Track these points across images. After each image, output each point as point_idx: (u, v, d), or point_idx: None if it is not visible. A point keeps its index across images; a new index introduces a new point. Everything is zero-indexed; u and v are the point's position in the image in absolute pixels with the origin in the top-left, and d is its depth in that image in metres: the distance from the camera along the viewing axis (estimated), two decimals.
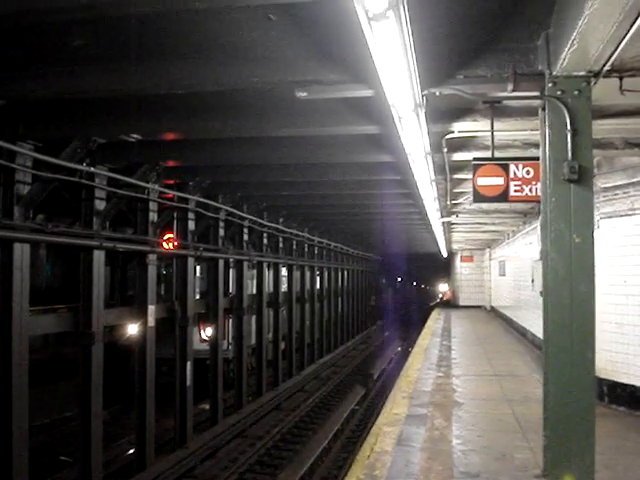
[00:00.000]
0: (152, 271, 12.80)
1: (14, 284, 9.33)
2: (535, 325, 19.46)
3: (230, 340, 19.79)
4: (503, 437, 9.57)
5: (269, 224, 19.31)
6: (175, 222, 14.36)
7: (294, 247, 23.46)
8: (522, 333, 23.53)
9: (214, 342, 16.15)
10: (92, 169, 10.27)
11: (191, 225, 14.48)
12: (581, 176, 6.03)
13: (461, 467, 8.12)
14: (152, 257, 12.75)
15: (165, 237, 13.23)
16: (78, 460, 11.32)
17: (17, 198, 9.37)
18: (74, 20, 6.39)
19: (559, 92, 6.09)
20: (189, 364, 14.20)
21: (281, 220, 20.73)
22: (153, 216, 12.69)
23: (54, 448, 14.99)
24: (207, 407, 17.02)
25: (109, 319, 12.09)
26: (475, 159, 8.30)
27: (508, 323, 28.54)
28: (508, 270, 28.57)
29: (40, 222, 10.06)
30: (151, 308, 12.70)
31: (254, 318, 19.83)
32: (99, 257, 11.13)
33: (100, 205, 11.12)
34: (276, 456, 15.19)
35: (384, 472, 7.91)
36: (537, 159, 7.73)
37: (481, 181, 7.93)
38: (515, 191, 7.89)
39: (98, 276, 11.12)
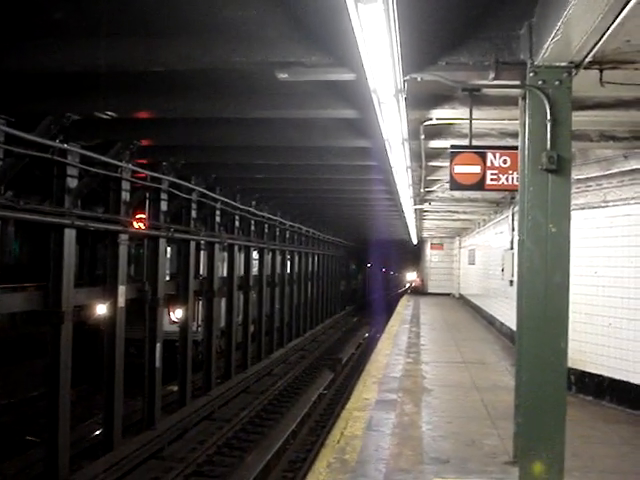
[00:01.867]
0: (123, 251, 12.66)
1: None
2: (504, 314, 19.67)
3: (199, 322, 19.70)
4: (472, 424, 9.66)
5: (241, 207, 19.21)
6: (147, 202, 14.21)
7: (266, 230, 23.38)
8: (490, 321, 23.76)
9: (184, 324, 16.06)
10: (65, 146, 10.12)
11: (163, 206, 14.34)
12: (559, 166, 6.05)
13: (431, 453, 8.19)
14: (124, 237, 12.61)
15: (136, 217, 13.07)
16: (45, 440, 11.20)
17: None
18: None
19: (540, 82, 6.09)
20: (158, 345, 14.11)
21: (254, 203, 20.63)
22: (125, 195, 12.54)
23: (20, 428, 14.84)
24: (175, 389, 16.96)
25: (79, 299, 11.96)
26: (453, 147, 8.30)
27: (477, 311, 28.81)
28: (478, 259, 28.81)
29: (11, 198, 9.88)
30: (122, 288, 12.57)
31: (224, 301, 19.75)
32: (70, 236, 10.97)
33: (72, 183, 10.95)
34: (244, 439, 15.17)
35: (354, 456, 7.94)
36: (514, 148, 7.79)
37: (458, 169, 7.94)
38: (492, 180, 7.92)
39: (69, 255, 10.96)
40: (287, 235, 26.97)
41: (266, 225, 23.25)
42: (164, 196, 14.30)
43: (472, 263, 31.10)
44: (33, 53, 7.28)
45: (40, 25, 6.89)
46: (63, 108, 9.37)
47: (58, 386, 10.78)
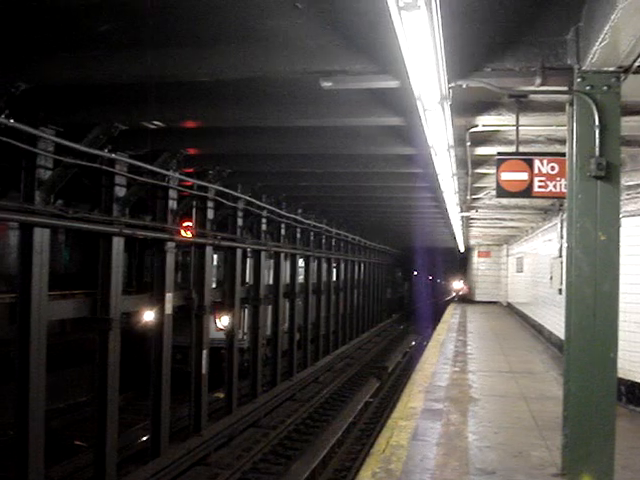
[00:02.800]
0: (170, 259, 12.80)
1: (33, 268, 9.35)
2: (552, 322, 19.36)
3: (245, 330, 19.77)
4: (519, 435, 9.51)
5: (287, 214, 19.27)
6: (194, 211, 14.35)
7: (311, 238, 23.42)
8: (539, 330, 23.40)
9: (230, 331, 16.15)
10: (113, 155, 10.27)
11: (210, 214, 14.47)
12: (608, 173, 5.95)
13: (477, 463, 8.07)
14: (170, 245, 12.75)
15: (183, 225, 13.17)
16: (93, 445, 11.36)
17: (38, 183, 9.38)
18: (100, 5, 6.38)
19: (588, 87, 6.01)
20: (205, 352, 14.21)
21: (299, 211, 20.69)
22: (172, 204, 12.68)
23: (69, 432, 15.06)
24: (220, 396, 17.06)
25: (127, 306, 12.10)
26: (499, 154, 8.21)
27: (524, 319, 28.40)
28: (526, 266, 28.42)
29: (60, 207, 10.06)
30: (169, 296, 12.70)
31: (270, 308, 19.83)
32: (118, 244, 11.13)
33: (120, 192, 11.12)
34: (289, 446, 15.21)
35: (400, 466, 7.87)
36: (562, 155, 7.66)
37: (505, 176, 7.85)
38: (539, 187, 7.81)
39: (117, 263, 11.12)
40: (333, 243, 26.97)
41: (312, 233, 23.28)
42: (210, 204, 14.43)
43: (520, 271, 30.69)
44: (82, 64, 7.41)
45: (88, 37, 7.00)
46: (111, 118, 9.51)
47: (106, 392, 10.92)
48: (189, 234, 13.47)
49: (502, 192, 7.98)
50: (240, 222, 16.26)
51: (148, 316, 12.99)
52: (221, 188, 14.12)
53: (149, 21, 6.55)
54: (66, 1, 5.85)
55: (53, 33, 6.95)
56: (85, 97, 9.09)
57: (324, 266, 25.99)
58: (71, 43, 7.18)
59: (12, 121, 8.00)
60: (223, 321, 17.24)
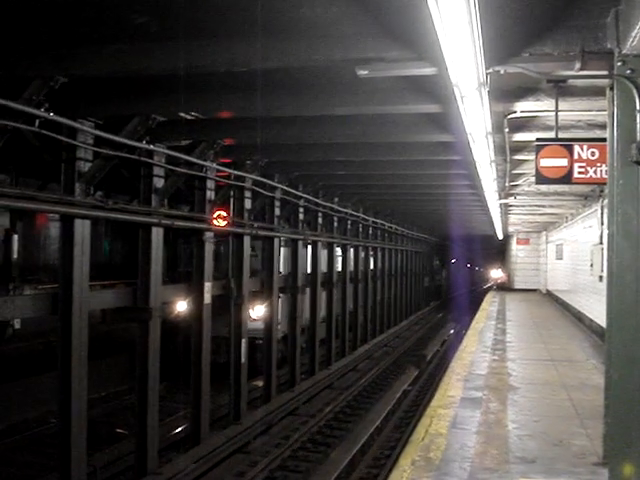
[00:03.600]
0: (209, 249, 12.90)
1: (75, 259, 9.49)
2: (593, 310, 19.13)
3: (279, 319, 19.71)
4: (560, 423, 9.42)
5: (324, 203, 19.27)
6: (232, 200, 14.42)
7: (348, 227, 23.40)
8: (579, 318, 23.14)
9: (268, 320, 16.24)
10: (151, 147, 10.36)
11: (247, 204, 14.53)
12: None
13: (517, 452, 8.02)
14: (209, 235, 12.85)
15: (215, 214, 13.07)
16: (134, 433, 11.52)
17: (78, 175, 9.51)
18: None
19: (628, 71, 5.89)
20: (244, 341, 14.30)
21: (336, 200, 20.67)
22: (210, 194, 12.76)
23: (110, 420, 15.28)
24: (259, 384, 17.14)
25: (166, 295, 12.23)
26: (538, 139, 8.12)
27: (564, 307, 28.10)
28: (565, 253, 28.09)
29: (100, 199, 10.18)
30: (207, 285, 12.81)
31: (308, 297, 19.89)
32: (157, 234, 11.25)
33: (158, 183, 11.23)
34: (328, 434, 15.26)
35: (439, 454, 7.86)
36: (602, 140, 7.53)
37: (544, 162, 7.76)
38: (579, 173, 7.70)
39: (156, 253, 11.25)
40: (370, 231, 26.93)
41: (349, 222, 23.26)
42: (248, 194, 14.49)
43: (560, 258, 30.34)
44: (119, 57, 7.49)
45: (125, 30, 7.07)
46: (149, 110, 9.59)
47: (147, 380, 11.06)
48: (221, 223, 13.40)
49: (541, 179, 7.89)
50: (277, 212, 16.30)
51: (181, 306, 13.07)
52: (258, 178, 14.18)
53: (185, 13, 6.58)
54: None
55: (90, 27, 7.02)
56: (123, 89, 9.17)
57: (361, 254, 25.96)
58: (108, 36, 7.25)
59: (52, 114, 8.10)
60: (257, 311, 17.29)
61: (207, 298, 12.80)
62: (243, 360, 14.29)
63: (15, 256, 16.46)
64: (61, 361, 9.49)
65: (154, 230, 11.15)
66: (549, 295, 35.85)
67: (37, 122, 7.96)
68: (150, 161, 10.74)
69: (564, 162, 7.71)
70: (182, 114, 9.77)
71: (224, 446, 12.82)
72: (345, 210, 21.63)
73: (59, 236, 9.61)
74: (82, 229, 9.57)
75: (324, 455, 13.60)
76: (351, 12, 6.29)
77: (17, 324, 14.32)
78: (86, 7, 6.59)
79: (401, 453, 9.25)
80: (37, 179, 16.04)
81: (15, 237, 16.46)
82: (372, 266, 28.35)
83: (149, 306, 11.03)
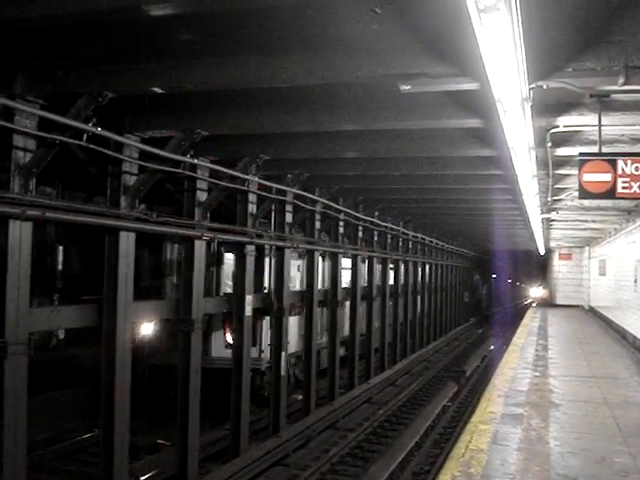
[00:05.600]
0: (250, 261, 13.01)
1: (119, 271, 9.65)
2: (636, 326, 18.86)
3: (262, 347, 17.04)
4: (602, 440, 9.33)
5: (364, 217, 19.31)
6: (273, 214, 14.54)
7: (388, 241, 23.39)
8: (622, 335, 22.81)
9: (308, 335, 16.29)
10: (195, 161, 10.51)
11: (288, 217, 14.64)
12: None
13: (559, 469, 7.97)
14: (250, 248, 12.96)
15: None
16: (176, 443, 11.62)
17: (124, 188, 9.69)
18: (181, 14, 6.56)
19: None
20: (284, 354, 14.37)
21: (376, 214, 20.70)
22: (252, 208, 12.89)
23: (150, 430, 15.42)
24: (299, 397, 17.17)
25: (208, 308, 12.35)
26: (581, 154, 8.08)
27: (607, 324, 27.73)
28: (609, 269, 27.74)
29: (144, 211, 10.35)
30: (248, 298, 12.91)
31: (348, 311, 19.91)
32: (200, 247, 11.40)
33: (202, 196, 11.38)
34: (367, 449, 15.23)
35: (479, 470, 7.83)
36: None
37: (587, 177, 7.73)
38: (623, 188, 7.65)
39: (199, 265, 11.39)
40: (410, 245, 26.87)
41: (389, 235, 23.25)
42: (289, 208, 14.59)
43: (603, 274, 29.96)
44: (164, 73, 7.65)
45: (170, 47, 7.21)
46: (193, 125, 9.73)
47: (188, 391, 11.17)
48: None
49: (585, 194, 7.85)
50: (318, 225, 16.39)
51: (145, 329, 12.98)
52: (299, 192, 14.28)
53: (228, 30, 6.70)
54: (147, 12, 6.01)
55: (137, 44, 7.16)
56: (167, 104, 9.33)
57: (401, 269, 25.91)
58: (154, 53, 7.38)
59: (99, 129, 8.28)
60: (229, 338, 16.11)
61: (248, 310, 12.90)
62: (283, 373, 14.35)
63: (60, 267, 16.74)
64: (105, 371, 9.64)
65: (197, 243, 11.30)
66: (592, 311, 35.37)
67: (85, 136, 8.13)
68: (194, 175, 10.90)
69: (608, 177, 7.66)
70: (225, 130, 9.93)
71: (263, 458, 12.85)
72: (385, 224, 21.64)
73: (105, 248, 9.76)
74: (127, 241, 9.74)
75: (363, 470, 13.57)
76: (393, 28, 6.34)
77: (61, 334, 14.58)
78: (133, 25, 6.75)
79: (441, 468, 9.23)
80: (82, 192, 16.33)
81: (60, 249, 16.75)
82: (412, 280, 28.26)
83: (191, 317, 11.16)
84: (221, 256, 17.03)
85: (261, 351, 16.97)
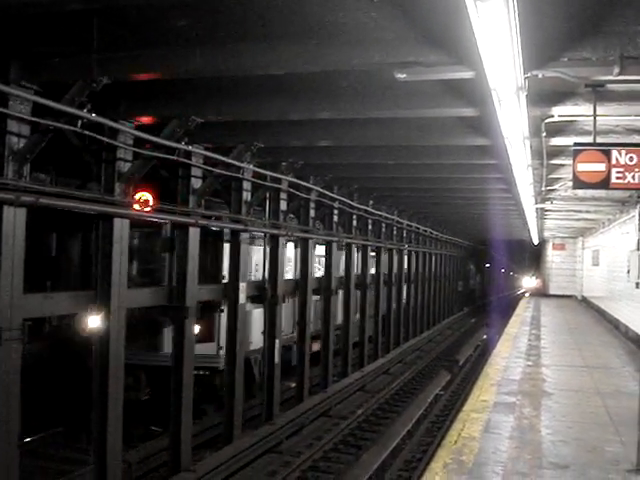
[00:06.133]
0: (244, 249, 13.02)
1: (113, 257, 9.64)
2: (629, 317, 18.95)
3: (221, 344, 15.12)
4: (594, 429, 9.41)
5: (359, 206, 19.32)
6: (267, 202, 14.53)
7: (383, 230, 23.41)
8: (615, 325, 22.93)
9: (301, 323, 16.31)
10: (190, 148, 10.49)
11: (283, 205, 14.63)
12: None
13: (550, 457, 8.03)
14: (245, 235, 12.96)
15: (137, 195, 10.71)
16: (169, 431, 11.64)
17: (118, 175, 9.66)
18: (177, 1, 6.54)
19: None
20: (277, 342, 14.40)
21: (371, 202, 20.70)
22: (247, 195, 12.88)
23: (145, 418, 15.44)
24: (292, 385, 17.22)
25: (202, 295, 12.36)
26: (576, 144, 8.08)
27: (600, 314, 27.85)
28: (602, 260, 27.84)
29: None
30: (242, 285, 12.92)
31: (341, 299, 19.94)
32: (194, 234, 11.39)
33: (196, 183, 11.36)
34: (360, 437, 15.29)
35: (471, 458, 7.88)
36: None
37: (581, 167, 7.73)
38: (617, 178, 7.66)
39: (193, 252, 11.38)
40: (404, 234, 26.89)
41: (383, 224, 23.27)
42: (283, 196, 14.59)
43: (596, 264, 30.06)
44: (160, 60, 7.62)
45: (167, 33, 7.19)
46: (187, 112, 9.70)
47: (182, 378, 11.18)
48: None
49: (579, 183, 7.86)
50: (312, 213, 16.38)
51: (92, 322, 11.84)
52: (294, 180, 14.27)
53: (225, 17, 6.69)
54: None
55: (133, 30, 7.15)
56: (163, 90, 9.29)
57: (395, 258, 25.93)
58: (150, 39, 7.37)
59: (94, 115, 8.25)
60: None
61: (242, 298, 12.92)
62: (277, 360, 14.39)
63: (53, 254, 16.70)
64: (99, 358, 9.64)
65: (192, 230, 11.28)
66: (585, 301, 35.52)
67: (79, 123, 8.11)
68: (188, 162, 10.87)
69: (602, 167, 7.67)
70: (220, 116, 9.90)
71: (256, 445, 12.88)
72: (379, 213, 21.65)
73: (99, 235, 9.75)
74: (121, 228, 9.72)
75: (355, 457, 13.63)
76: (390, 17, 6.34)
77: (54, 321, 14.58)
78: (128, 11, 6.73)
79: (433, 456, 9.28)
80: (76, 179, 16.26)
81: (53, 236, 16.71)
82: (406, 269, 28.30)
83: (185, 305, 11.16)
84: (221, 243, 16.36)
85: (219, 348, 15.19)
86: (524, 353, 16.69)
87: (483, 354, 26.14)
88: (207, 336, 14.73)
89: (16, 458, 8.15)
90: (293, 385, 16.97)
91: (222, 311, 14.67)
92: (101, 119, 8.58)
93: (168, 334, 13.62)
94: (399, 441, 14.75)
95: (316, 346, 18.13)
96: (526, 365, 14.74)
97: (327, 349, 17.86)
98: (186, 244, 11.28)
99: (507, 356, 16.04)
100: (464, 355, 27.74)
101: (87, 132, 8.31)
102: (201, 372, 14.27)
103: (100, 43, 7.41)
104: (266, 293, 14.22)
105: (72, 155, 11.15)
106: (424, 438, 15.63)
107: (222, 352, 14.39)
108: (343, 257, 20.15)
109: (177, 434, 11.22)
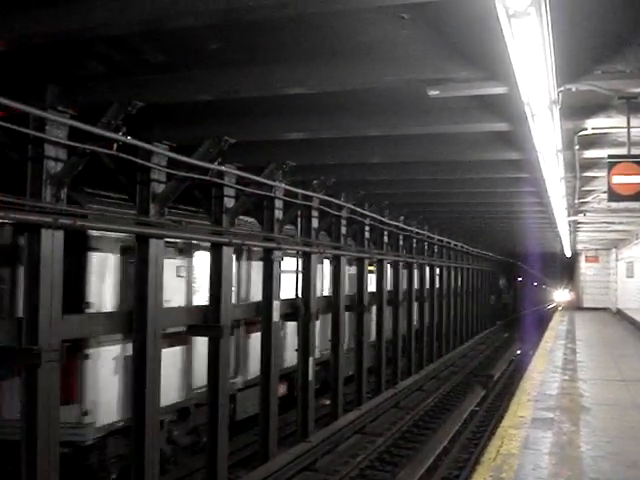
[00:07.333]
0: (277, 267, 13.05)
1: (149, 279, 9.73)
2: None
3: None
4: (633, 444, 9.28)
5: (390, 222, 19.30)
6: (299, 219, 14.58)
7: (414, 245, 23.35)
8: None
9: (335, 339, 16.30)
10: (223, 168, 10.57)
11: (315, 222, 14.67)
12: None
13: (591, 473, 7.93)
14: (277, 253, 13.00)
15: None
16: (205, 449, 11.66)
17: (153, 196, 9.77)
18: (210, 24, 6.62)
19: None
20: (311, 359, 14.39)
21: (402, 218, 20.68)
22: (278, 213, 12.94)
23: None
24: (327, 402, 17.18)
25: (236, 313, 12.40)
26: (610, 157, 8.04)
27: (636, 326, 27.47)
28: (637, 271, 27.50)
29: (174, 219, 10.43)
30: (276, 304, 12.95)
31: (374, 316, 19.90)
32: (228, 253, 11.46)
33: (229, 203, 11.44)
34: (396, 454, 15.20)
35: (511, 475, 7.81)
36: None
37: (617, 179, 7.69)
38: None
39: (227, 272, 11.43)
40: (435, 249, 26.80)
41: (414, 240, 23.22)
42: (315, 213, 14.63)
43: (630, 276, 29.70)
44: (193, 82, 7.74)
45: (199, 56, 7.29)
46: (220, 132, 9.80)
47: (217, 397, 11.21)
48: None
49: (614, 196, 7.81)
50: (344, 230, 16.40)
51: None
52: (325, 197, 14.31)
53: (256, 39, 6.76)
54: (177, 23, 6.07)
55: (166, 53, 7.25)
56: (194, 112, 9.41)
57: (427, 273, 25.83)
58: (184, 62, 7.48)
59: (129, 138, 8.37)
60: None
61: (275, 316, 12.94)
62: (311, 378, 14.38)
63: None
64: (135, 378, 9.71)
65: (225, 249, 11.35)
66: (619, 314, 35.06)
67: (115, 146, 8.23)
68: (221, 182, 10.96)
69: (638, 179, 7.62)
70: (253, 136, 10.00)
71: (292, 463, 12.85)
72: (410, 228, 21.61)
73: (135, 256, 9.85)
74: (156, 249, 9.81)
75: (391, 474, 13.55)
76: (422, 34, 6.37)
77: None
78: (162, 35, 6.83)
79: (471, 474, 9.21)
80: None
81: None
82: (438, 284, 28.17)
83: (220, 324, 11.21)
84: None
85: (83, 413, 10.17)
86: (560, 367, 16.51)
87: (517, 369, 25.89)
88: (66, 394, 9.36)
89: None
90: (327, 402, 16.93)
91: (87, 357, 10.31)
92: (136, 142, 8.71)
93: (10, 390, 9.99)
94: (435, 458, 14.63)
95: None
96: (563, 379, 14.58)
97: (361, 365, 17.80)
98: (220, 263, 11.32)
99: (543, 370, 15.88)
100: (498, 370, 27.47)
101: (122, 155, 8.43)
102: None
103: (134, 66, 7.54)
104: (299, 310, 14.24)
105: (107, 176, 11.33)
106: (460, 455, 15.49)
107: (89, 419, 10.16)
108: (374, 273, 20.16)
109: (214, 452, 11.21)
